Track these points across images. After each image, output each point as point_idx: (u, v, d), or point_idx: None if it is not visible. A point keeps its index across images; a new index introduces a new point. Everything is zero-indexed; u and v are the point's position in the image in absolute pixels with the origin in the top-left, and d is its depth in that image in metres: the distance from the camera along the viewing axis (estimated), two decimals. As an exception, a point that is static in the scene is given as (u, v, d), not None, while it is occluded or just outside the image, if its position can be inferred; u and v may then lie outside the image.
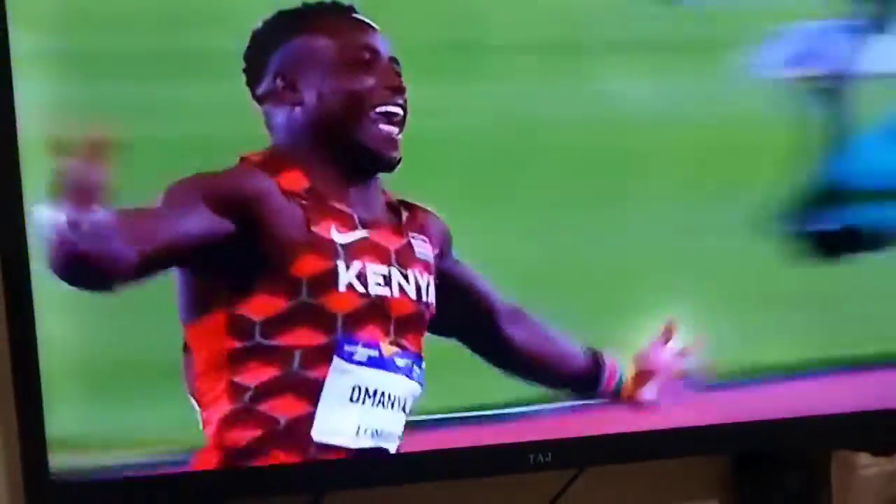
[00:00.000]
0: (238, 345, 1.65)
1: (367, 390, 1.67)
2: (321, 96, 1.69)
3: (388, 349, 1.68)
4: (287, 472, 1.67)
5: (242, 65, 1.70)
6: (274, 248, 1.64)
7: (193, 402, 1.67)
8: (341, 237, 1.67)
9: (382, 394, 1.68)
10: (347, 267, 1.66)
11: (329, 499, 1.82)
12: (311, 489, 1.79)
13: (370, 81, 1.70)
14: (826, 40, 1.91)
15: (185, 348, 1.67)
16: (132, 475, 1.71)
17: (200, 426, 1.67)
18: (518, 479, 1.88)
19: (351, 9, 1.72)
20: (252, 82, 1.71)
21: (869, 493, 2.04)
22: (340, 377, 1.66)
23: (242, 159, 1.67)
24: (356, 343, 1.67)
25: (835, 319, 1.94)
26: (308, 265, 1.65)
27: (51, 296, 1.65)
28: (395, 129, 1.70)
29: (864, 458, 2.01)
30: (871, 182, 1.96)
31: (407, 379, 1.70)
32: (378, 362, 1.68)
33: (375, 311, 1.68)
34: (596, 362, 1.83)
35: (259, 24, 1.70)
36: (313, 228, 1.66)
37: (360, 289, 1.67)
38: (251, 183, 1.65)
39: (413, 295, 1.71)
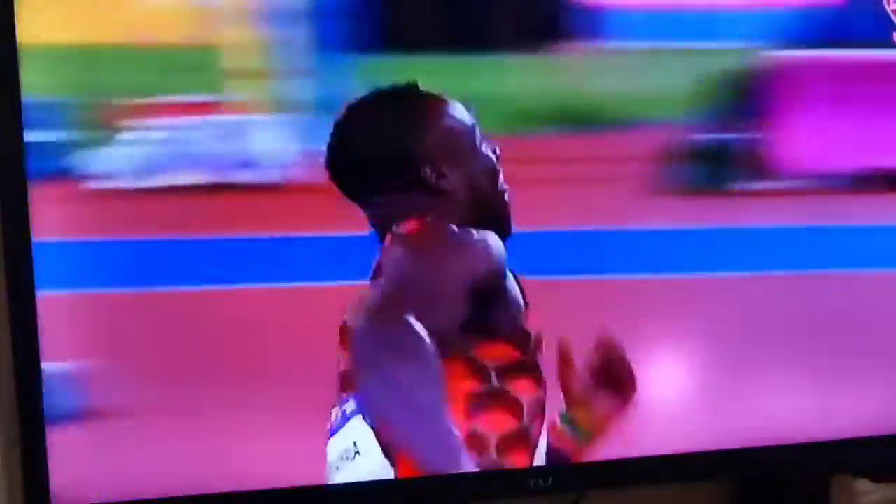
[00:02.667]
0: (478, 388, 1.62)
1: None
2: (469, 179, 1.64)
3: None
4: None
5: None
6: (510, 302, 1.63)
7: None
8: None
9: None
10: None
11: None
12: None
13: (494, 157, 1.67)
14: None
15: None
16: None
17: None
18: (518, 504, 1.89)
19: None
20: (365, 180, 1.64)
21: (870, 520, 2.04)
22: None
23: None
24: None
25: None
26: (532, 322, 1.65)
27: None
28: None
29: (864, 485, 2.01)
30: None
31: None
32: None
33: None
34: None
35: (346, 115, 1.64)
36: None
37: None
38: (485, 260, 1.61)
39: None
